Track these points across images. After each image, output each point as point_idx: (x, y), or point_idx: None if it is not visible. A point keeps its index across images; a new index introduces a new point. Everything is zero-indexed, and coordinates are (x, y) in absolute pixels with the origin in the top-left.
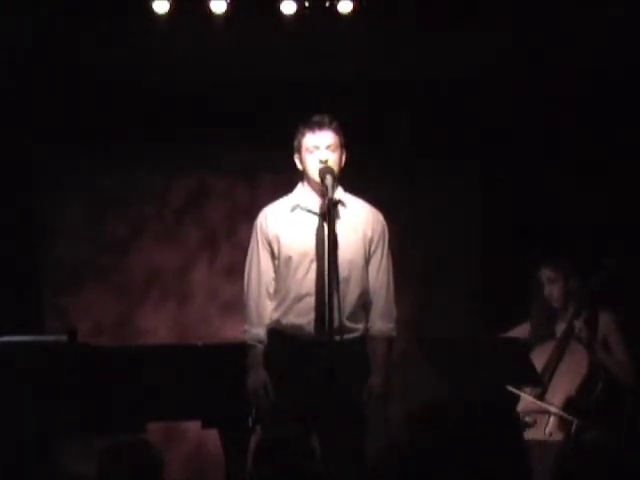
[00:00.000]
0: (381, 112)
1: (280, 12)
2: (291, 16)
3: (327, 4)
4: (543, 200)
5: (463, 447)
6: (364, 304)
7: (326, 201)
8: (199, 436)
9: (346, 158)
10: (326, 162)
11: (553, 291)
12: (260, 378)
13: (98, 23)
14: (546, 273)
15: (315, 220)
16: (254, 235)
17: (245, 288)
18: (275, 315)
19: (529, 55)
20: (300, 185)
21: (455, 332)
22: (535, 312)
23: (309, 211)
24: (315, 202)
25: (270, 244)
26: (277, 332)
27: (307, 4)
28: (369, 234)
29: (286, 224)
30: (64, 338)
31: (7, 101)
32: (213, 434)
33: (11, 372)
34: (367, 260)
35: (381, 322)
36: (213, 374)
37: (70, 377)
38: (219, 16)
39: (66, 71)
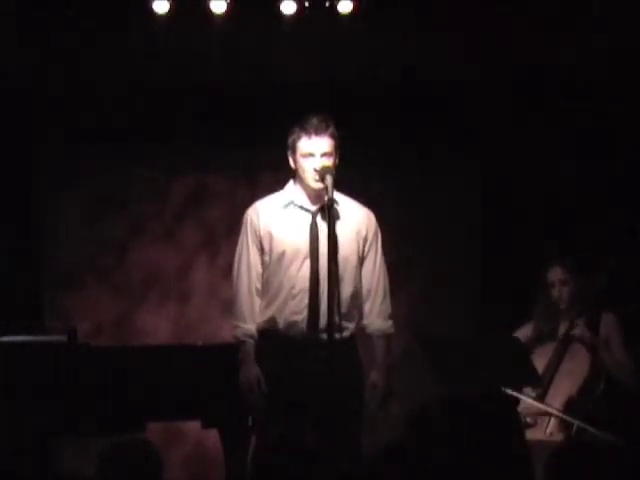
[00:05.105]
0: (381, 111)
1: (280, 12)
2: (291, 16)
3: (327, 4)
4: (543, 200)
5: (463, 446)
6: (356, 303)
7: (326, 201)
8: (199, 436)
9: (340, 157)
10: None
11: (563, 292)
12: (252, 373)
13: (98, 23)
14: (557, 274)
15: (308, 217)
16: (244, 230)
17: (234, 283)
18: (268, 312)
19: (529, 54)
20: (292, 182)
21: (455, 332)
22: (539, 312)
23: (302, 208)
24: (307, 200)
25: (260, 240)
26: (270, 330)
27: (307, 4)
28: (363, 232)
29: (279, 220)
30: (64, 338)
31: (7, 101)
32: (213, 434)
33: (11, 372)
34: (360, 258)
35: (379, 320)
36: (213, 374)
37: (70, 377)
38: (219, 16)
39: (66, 71)
